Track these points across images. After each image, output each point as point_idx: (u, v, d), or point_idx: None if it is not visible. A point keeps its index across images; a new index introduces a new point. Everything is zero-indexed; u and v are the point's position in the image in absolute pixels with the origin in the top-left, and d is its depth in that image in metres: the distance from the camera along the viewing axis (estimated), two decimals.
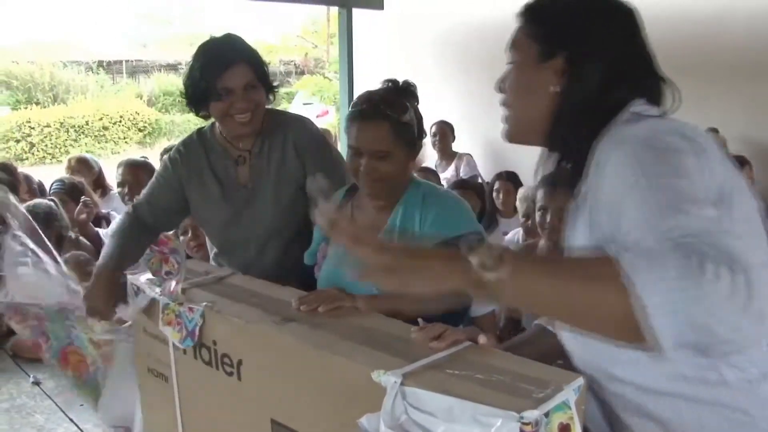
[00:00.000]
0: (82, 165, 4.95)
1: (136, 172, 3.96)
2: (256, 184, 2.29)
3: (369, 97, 1.81)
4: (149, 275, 1.73)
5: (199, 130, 2.40)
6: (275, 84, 2.29)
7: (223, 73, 2.13)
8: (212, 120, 2.35)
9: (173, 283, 1.58)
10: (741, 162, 4.36)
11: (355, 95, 6.49)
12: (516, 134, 1.33)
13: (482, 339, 1.29)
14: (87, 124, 17.45)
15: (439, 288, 1.02)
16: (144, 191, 2.43)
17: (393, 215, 1.83)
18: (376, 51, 7.38)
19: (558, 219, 2.54)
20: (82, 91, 19.58)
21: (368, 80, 7.16)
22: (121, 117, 18.14)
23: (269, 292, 1.66)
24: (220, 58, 2.15)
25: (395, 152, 1.77)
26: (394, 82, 1.85)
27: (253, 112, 2.18)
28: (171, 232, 1.55)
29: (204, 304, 1.57)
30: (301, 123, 2.41)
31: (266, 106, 2.29)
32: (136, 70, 22.60)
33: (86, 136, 17.37)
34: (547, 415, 1.05)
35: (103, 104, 18.52)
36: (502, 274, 0.94)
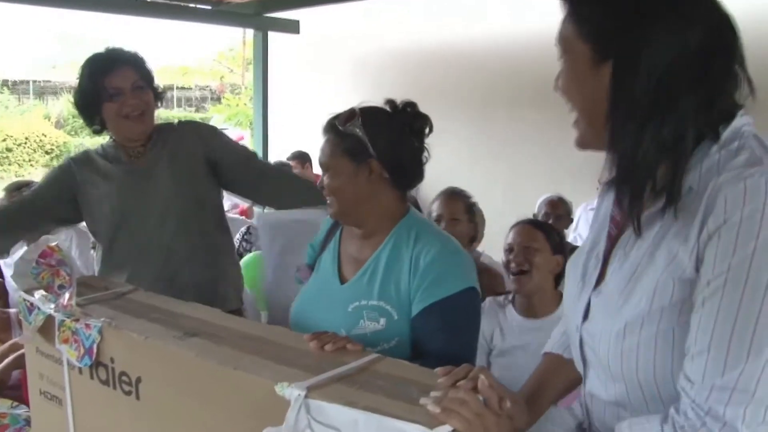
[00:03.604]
0: None
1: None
2: (155, 164, 2.36)
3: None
4: (42, 291, 1.64)
5: (94, 147, 2.48)
6: (161, 90, 2.43)
7: (110, 74, 2.27)
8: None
9: (66, 296, 1.50)
10: None
11: (270, 119, 6.48)
12: (584, 142, 1.17)
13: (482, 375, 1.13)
14: None
15: None
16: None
17: (379, 249, 1.68)
18: (292, 76, 7.36)
19: (523, 258, 2.49)
20: None
21: (283, 105, 7.16)
22: (26, 138, 17.46)
23: (171, 307, 1.59)
24: (106, 62, 2.30)
25: (336, 165, 1.66)
26: (390, 102, 1.70)
27: (144, 112, 2.29)
28: (54, 243, 1.47)
29: (102, 320, 1.49)
30: (193, 121, 2.65)
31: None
32: (45, 90, 21.88)
33: None
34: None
35: (7, 125, 17.80)
36: None
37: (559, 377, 1.40)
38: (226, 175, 2.45)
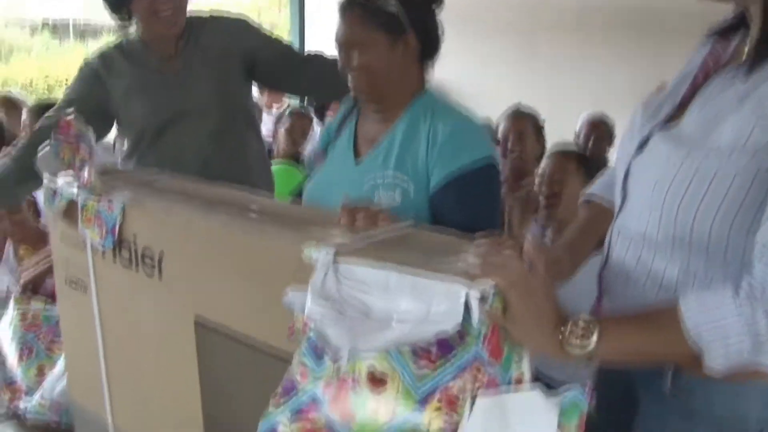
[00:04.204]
0: (8, 105, 4.45)
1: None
2: (188, 69, 2.22)
3: None
4: (65, 175, 1.58)
5: (112, 44, 2.34)
6: None
7: None
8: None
9: (86, 171, 1.43)
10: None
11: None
12: None
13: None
14: (30, 84, 16.86)
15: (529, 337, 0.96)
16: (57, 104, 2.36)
17: (395, 124, 1.62)
18: (327, 14, 7.21)
19: (551, 188, 2.42)
20: (26, 50, 18.91)
21: (320, 42, 7.00)
22: (67, 78, 17.48)
23: (197, 187, 1.52)
24: None
25: (369, 40, 1.57)
26: None
27: (177, 9, 2.14)
28: (70, 116, 1.40)
29: (124, 196, 1.43)
30: (225, 17, 2.40)
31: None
32: (85, 31, 21.90)
33: (30, 95, 16.78)
34: (495, 291, 0.94)
35: (48, 65, 17.90)
36: (591, 347, 0.95)
37: (600, 225, 1.32)
38: (265, 68, 2.32)
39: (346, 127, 1.75)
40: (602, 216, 1.33)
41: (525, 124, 2.97)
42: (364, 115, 1.72)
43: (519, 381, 0.97)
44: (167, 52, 2.25)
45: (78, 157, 1.44)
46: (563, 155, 2.52)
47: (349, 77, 1.64)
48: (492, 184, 1.61)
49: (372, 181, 1.58)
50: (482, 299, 0.92)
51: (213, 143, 2.24)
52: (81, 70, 2.36)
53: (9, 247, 3.18)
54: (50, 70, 17.56)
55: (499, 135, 2.93)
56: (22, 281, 2.80)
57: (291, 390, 1.02)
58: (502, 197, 2.73)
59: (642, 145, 1.14)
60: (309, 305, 0.98)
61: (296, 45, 6.28)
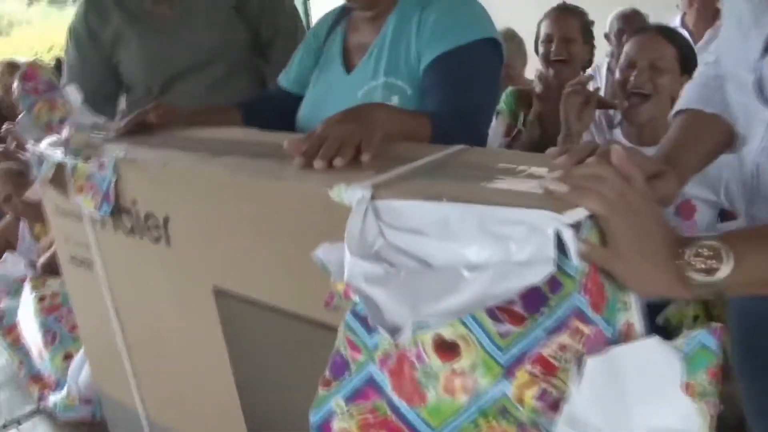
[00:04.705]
0: (13, 70, 4.24)
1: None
2: (184, 12, 2.05)
3: None
4: (50, 139, 1.37)
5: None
6: None
7: None
8: None
9: (66, 128, 1.21)
10: None
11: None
12: None
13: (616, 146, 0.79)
14: (35, 55, 16.63)
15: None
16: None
17: (385, 25, 1.43)
18: None
19: (647, 79, 1.96)
20: (26, 22, 18.64)
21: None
22: None
23: (197, 133, 1.30)
24: None
25: None
26: None
27: None
28: (34, 58, 1.18)
29: (115, 154, 1.21)
30: None
31: None
32: None
33: None
34: (591, 217, 0.71)
35: (51, 34, 17.62)
36: (723, 275, 0.72)
37: (706, 133, 1.04)
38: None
39: (333, 39, 1.56)
40: (706, 123, 1.05)
41: (571, 24, 2.52)
42: (354, 24, 1.53)
43: (627, 332, 0.75)
44: None
45: (57, 114, 1.22)
46: (662, 36, 2.01)
47: None
48: (486, 61, 1.37)
49: (366, 88, 1.40)
50: (575, 230, 0.69)
51: (216, 94, 2.06)
52: (70, 32, 2.18)
53: (25, 228, 3.02)
54: (53, 40, 17.26)
55: (540, 38, 2.52)
56: (39, 263, 2.64)
57: (342, 368, 0.81)
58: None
59: None
60: (348, 262, 0.75)
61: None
